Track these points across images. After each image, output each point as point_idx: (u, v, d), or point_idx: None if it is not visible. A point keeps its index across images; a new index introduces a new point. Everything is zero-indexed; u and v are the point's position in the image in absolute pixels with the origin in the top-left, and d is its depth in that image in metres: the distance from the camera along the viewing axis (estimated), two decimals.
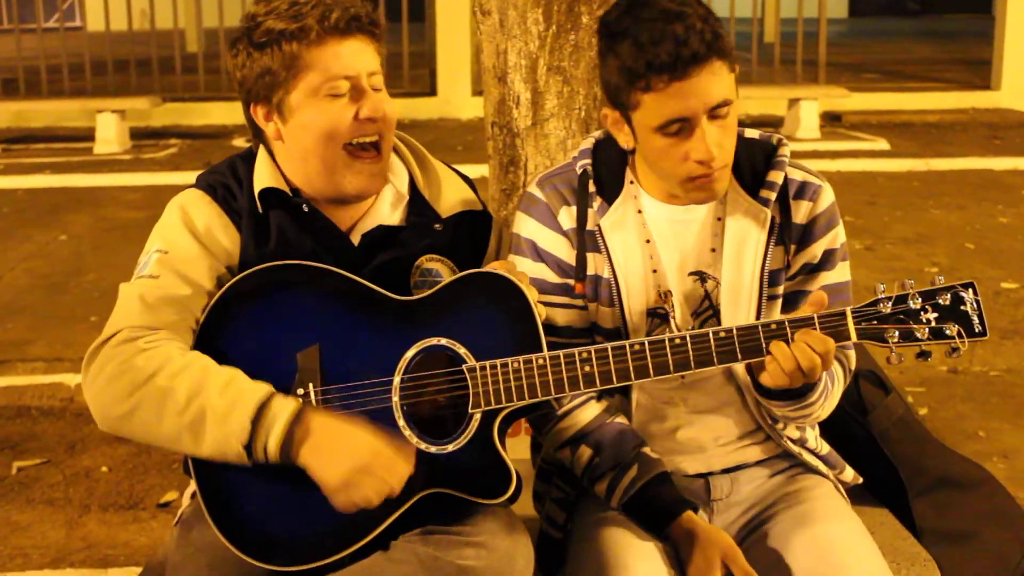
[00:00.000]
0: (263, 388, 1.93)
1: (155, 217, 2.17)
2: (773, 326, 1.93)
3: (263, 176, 2.13)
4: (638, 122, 2.02)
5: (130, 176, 9.06)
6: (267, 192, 2.12)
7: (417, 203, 2.22)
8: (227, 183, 2.15)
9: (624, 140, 2.10)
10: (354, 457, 1.89)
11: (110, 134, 10.09)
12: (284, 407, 1.90)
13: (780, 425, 2.20)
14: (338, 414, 1.95)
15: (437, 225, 2.20)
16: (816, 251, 2.13)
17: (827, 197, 2.15)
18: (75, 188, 8.80)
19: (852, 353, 2.20)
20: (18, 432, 4.40)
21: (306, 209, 2.12)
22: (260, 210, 2.11)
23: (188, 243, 2.07)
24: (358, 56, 2.09)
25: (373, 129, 2.11)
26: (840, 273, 2.16)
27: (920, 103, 11.84)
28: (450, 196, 2.25)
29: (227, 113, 11.31)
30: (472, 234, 2.26)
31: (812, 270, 2.15)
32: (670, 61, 1.91)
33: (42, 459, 4.13)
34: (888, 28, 21.83)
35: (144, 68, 11.63)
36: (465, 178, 2.34)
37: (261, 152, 2.17)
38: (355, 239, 2.17)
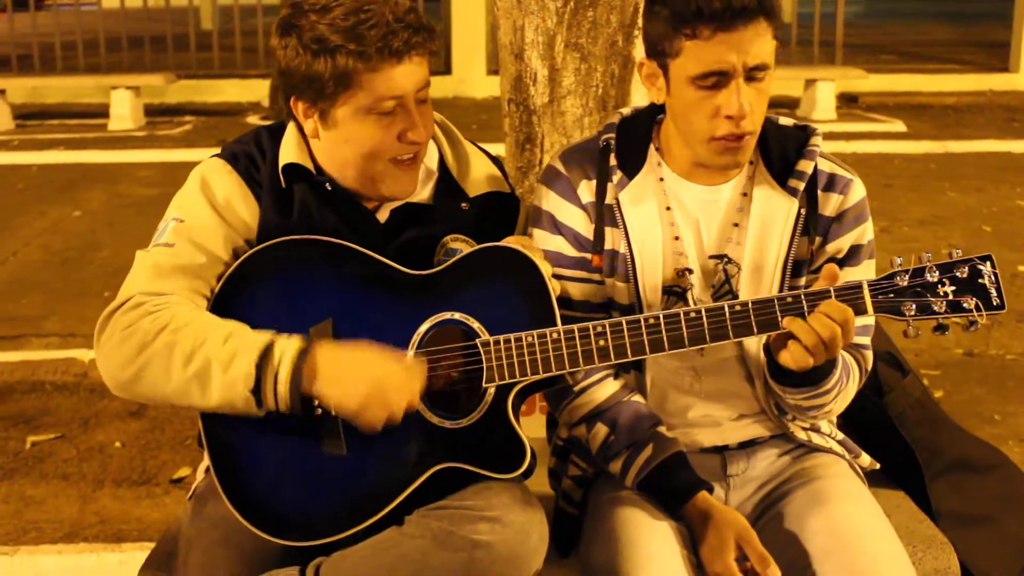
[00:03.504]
0: (266, 333, 1.93)
1: (169, 194, 2.16)
2: (789, 299, 1.92)
3: (289, 151, 2.11)
4: (675, 72, 2.00)
5: (144, 153, 9.08)
6: (291, 167, 2.10)
7: (446, 181, 2.21)
8: (251, 153, 2.14)
9: (656, 94, 2.09)
10: (367, 380, 1.89)
11: (124, 111, 10.12)
12: (288, 346, 1.90)
13: (789, 416, 2.18)
14: (342, 343, 1.95)
15: (464, 204, 2.19)
16: (842, 245, 2.12)
17: (857, 192, 2.13)
18: (89, 164, 8.82)
19: (869, 353, 2.17)
20: (32, 407, 4.42)
21: (329, 188, 2.11)
22: (283, 184, 2.10)
23: (205, 213, 2.07)
24: (411, 77, 2.03)
25: (415, 148, 2.09)
26: (865, 270, 2.13)
27: (938, 85, 11.78)
28: (478, 176, 2.24)
29: (241, 90, 11.32)
30: (498, 216, 2.25)
31: (837, 264, 2.10)
32: (721, 9, 1.91)
33: (56, 434, 4.14)
34: (906, 9, 21.69)
35: (158, 45, 11.64)
36: (494, 159, 2.32)
37: (291, 128, 2.15)
38: (383, 215, 2.16)
